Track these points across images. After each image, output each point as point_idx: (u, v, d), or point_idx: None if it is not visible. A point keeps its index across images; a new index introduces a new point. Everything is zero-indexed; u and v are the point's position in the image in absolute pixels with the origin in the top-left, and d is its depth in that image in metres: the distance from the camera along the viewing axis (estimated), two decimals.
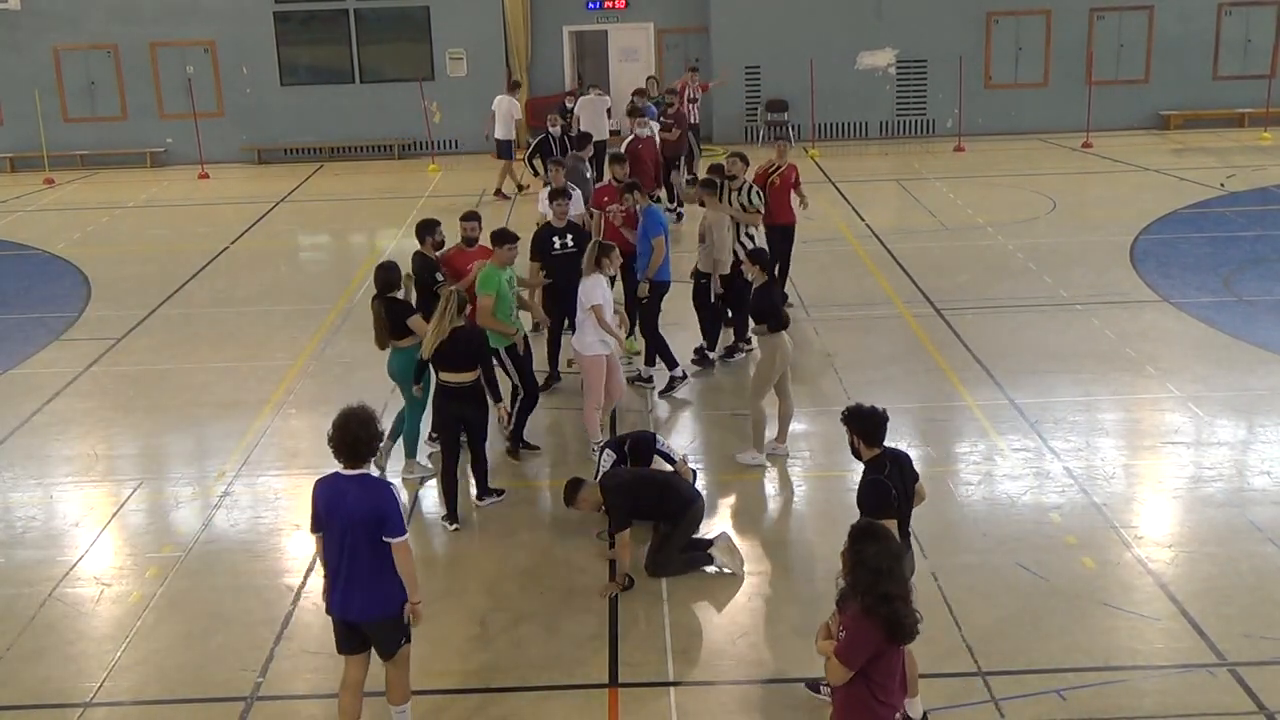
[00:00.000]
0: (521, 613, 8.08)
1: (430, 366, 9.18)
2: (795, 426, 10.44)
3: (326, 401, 11.91)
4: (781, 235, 13.79)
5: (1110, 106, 25.85)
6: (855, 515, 9.30)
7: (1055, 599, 7.96)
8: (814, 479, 9.80)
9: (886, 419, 6.74)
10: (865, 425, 6.68)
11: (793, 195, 14.01)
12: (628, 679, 7.28)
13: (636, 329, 12.24)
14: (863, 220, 18.71)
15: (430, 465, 10.17)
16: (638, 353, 12.57)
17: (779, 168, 13.86)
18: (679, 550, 8.35)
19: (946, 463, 10.17)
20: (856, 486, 9.62)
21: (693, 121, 21.56)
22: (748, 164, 13.24)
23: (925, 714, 6.80)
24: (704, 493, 8.94)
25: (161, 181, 24.77)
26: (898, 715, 5.43)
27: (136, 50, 25.99)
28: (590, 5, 26.82)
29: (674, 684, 7.20)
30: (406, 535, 6.32)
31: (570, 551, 8.93)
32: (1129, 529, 8.86)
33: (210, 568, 8.85)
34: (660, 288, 11.90)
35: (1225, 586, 8.07)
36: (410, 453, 10.13)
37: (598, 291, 10.14)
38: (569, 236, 11.57)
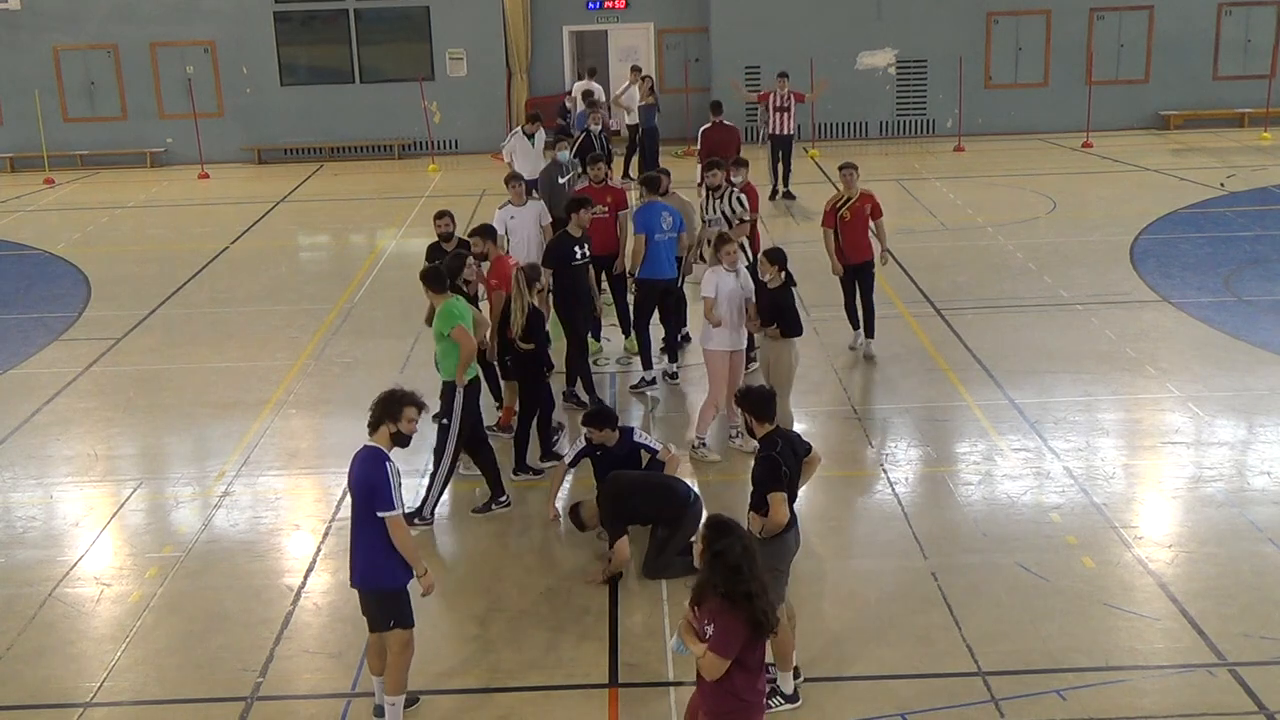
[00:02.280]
0: (521, 613, 8.08)
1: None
2: (794, 426, 10.42)
3: (326, 402, 11.93)
4: (857, 274, 12.49)
5: (1110, 106, 25.86)
6: (854, 515, 9.38)
7: (1055, 599, 7.97)
8: (813, 479, 9.74)
9: (773, 395, 7.24)
10: (754, 403, 7.09)
11: (872, 227, 12.56)
12: (628, 679, 7.29)
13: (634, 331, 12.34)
14: None
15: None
16: (599, 351, 12.63)
17: (848, 200, 12.41)
18: (677, 554, 8.34)
19: (946, 463, 10.18)
20: (851, 486, 9.76)
21: (783, 132, 19.90)
22: (725, 170, 12.56)
23: (796, 688, 6.98)
24: (701, 494, 8.92)
25: (161, 181, 24.77)
26: (766, 701, 5.64)
27: (136, 50, 25.99)
28: (590, 5, 26.83)
29: (674, 684, 7.19)
30: (397, 510, 6.46)
31: (570, 551, 8.94)
32: (1129, 529, 8.87)
33: (210, 568, 8.85)
34: (650, 285, 11.77)
35: (1225, 586, 8.07)
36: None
37: (711, 283, 10.14)
38: (586, 246, 11.29)
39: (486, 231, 10.83)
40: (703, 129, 18.62)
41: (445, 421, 9.23)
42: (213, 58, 26.07)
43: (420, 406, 6.68)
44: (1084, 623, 7.68)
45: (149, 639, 7.90)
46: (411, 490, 10.01)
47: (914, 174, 22.47)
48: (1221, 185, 20.25)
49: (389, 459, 6.52)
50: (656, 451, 9.04)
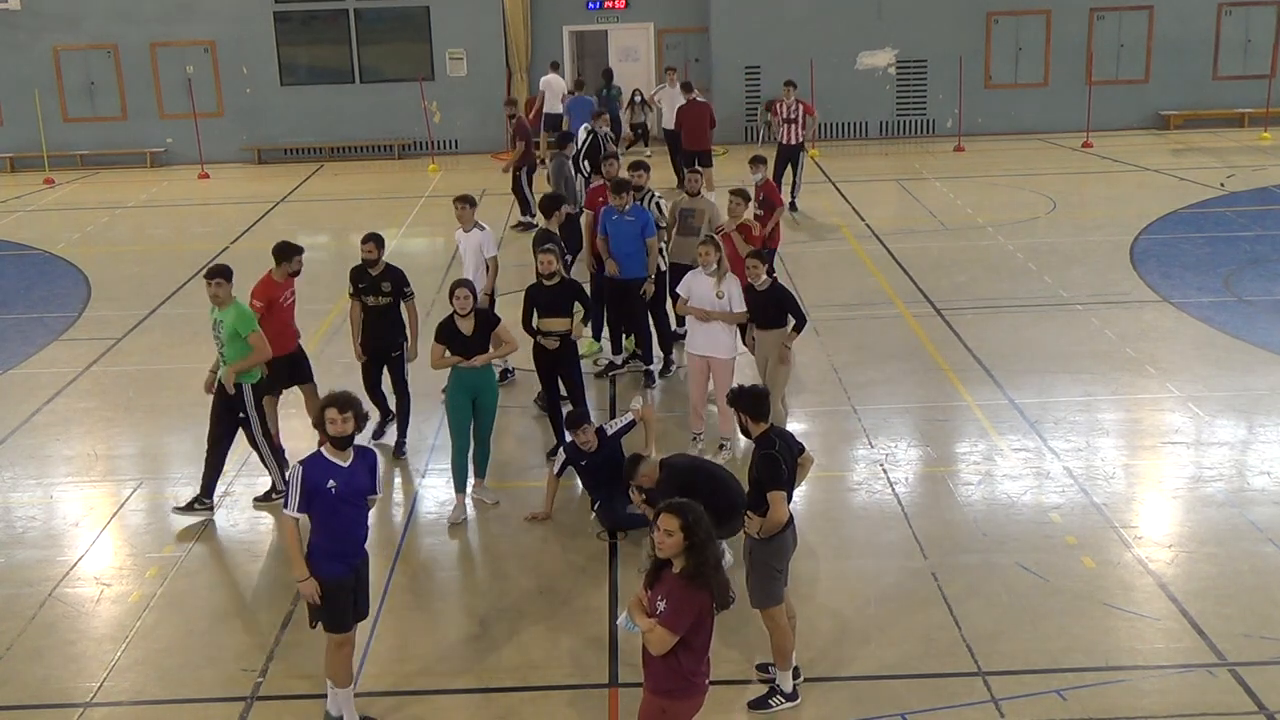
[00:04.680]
0: (521, 613, 8.09)
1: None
2: (794, 426, 10.44)
3: None
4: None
5: (1110, 106, 25.85)
6: (854, 515, 9.39)
7: (1055, 599, 7.97)
8: (813, 479, 9.75)
9: (767, 394, 7.25)
10: (751, 403, 7.07)
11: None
12: (628, 679, 7.28)
13: (604, 332, 12.54)
14: (863, 220, 18.72)
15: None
16: (599, 351, 12.71)
17: (721, 230, 11.50)
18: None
19: (946, 463, 10.18)
20: (852, 486, 9.77)
21: (789, 142, 19.22)
22: (649, 171, 12.56)
23: (795, 687, 7.02)
24: None
25: (161, 181, 24.77)
26: (708, 683, 5.75)
27: (136, 50, 25.98)
28: (590, 5, 26.83)
29: None
30: (286, 511, 6.63)
31: (570, 552, 8.94)
32: (1129, 529, 8.87)
33: (210, 568, 8.86)
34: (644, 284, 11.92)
35: (1225, 586, 8.07)
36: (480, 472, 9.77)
37: (684, 284, 10.26)
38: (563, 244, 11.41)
39: (292, 249, 10.39)
40: (679, 107, 20.18)
41: (243, 416, 9.40)
42: (213, 58, 26.06)
43: (341, 404, 6.57)
44: (1084, 623, 7.68)
45: (149, 639, 7.90)
46: (414, 494, 10.05)
47: (914, 174, 22.47)
48: (1221, 185, 20.25)
49: (305, 463, 6.60)
50: (631, 424, 9.30)
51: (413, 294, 10.64)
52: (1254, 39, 26.03)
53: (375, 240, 10.53)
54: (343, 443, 6.61)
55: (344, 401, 6.60)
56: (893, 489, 9.67)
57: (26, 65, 25.85)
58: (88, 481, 10.41)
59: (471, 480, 9.67)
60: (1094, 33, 26.02)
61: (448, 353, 9.38)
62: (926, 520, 9.15)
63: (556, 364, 10.24)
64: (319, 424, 6.63)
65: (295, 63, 26.35)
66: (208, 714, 7.17)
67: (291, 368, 10.41)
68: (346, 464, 6.62)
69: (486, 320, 9.46)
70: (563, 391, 10.38)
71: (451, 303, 9.35)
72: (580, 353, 10.89)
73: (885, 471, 9.99)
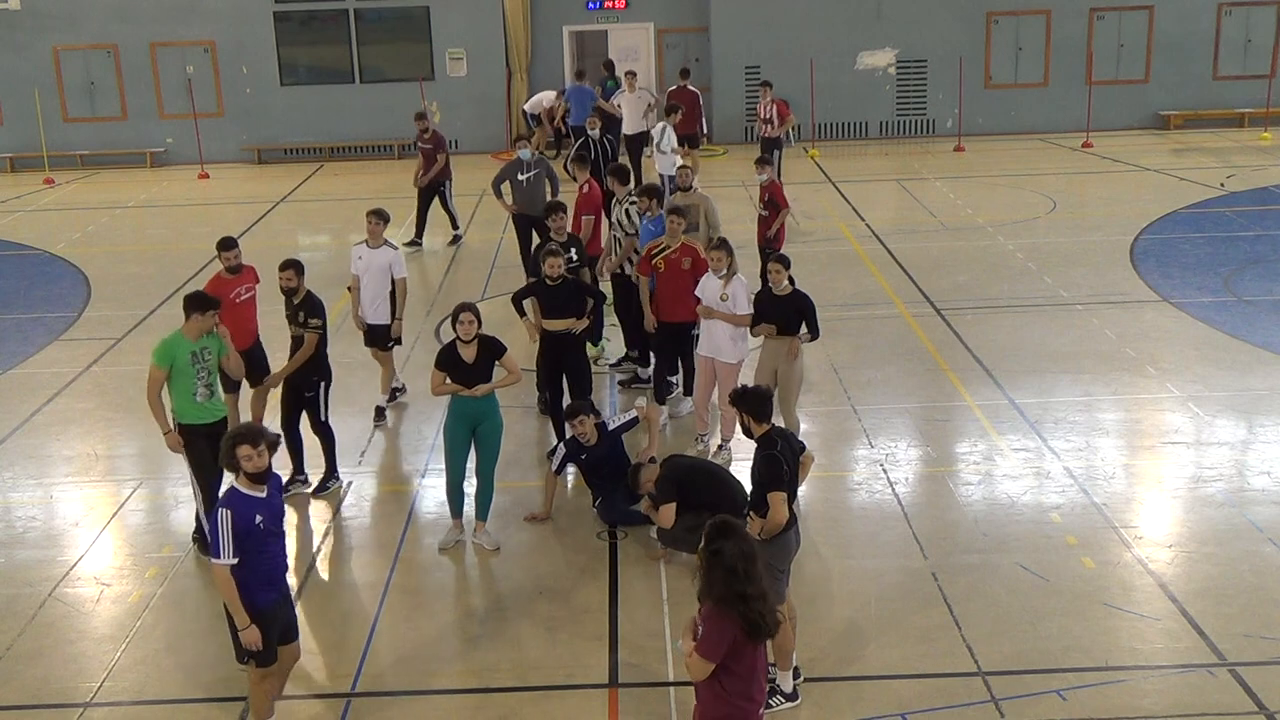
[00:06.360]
0: (521, 613, 8.09)
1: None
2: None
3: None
4: (669, 335, 10.93)
5: (1110, 106, 25.86)
6: (854, 515, 9.38)
7: (1055, 599, 7.97)
8: (813, 479, 9.77)
9: (771, 395, 7.23)
10: (753, 403, 7.04)
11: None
12: (628, 679, 7.29)
13: (603, 333, 12.63)
14: (863, 220, 18.72)
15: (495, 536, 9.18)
16: (601, 351, 12.73)
17: (665, 248, 10.76)
18: (688, 531, 8.23)
19: (946, 463, 10.18)
20: (852, 486, 9.77)
21: (766, 136, 19.51)
22: (626, 180, 12.55)
23: (796, 687, 7.00)
24: None
25: (161, 181, 24.76)
26: (762, 711, 5.51)
27: (136, 50, 25.98)
28: (590, 5, 26.82)
29: (674, 684, 7.20)
30: (218, 560, 6.35)
31: (570, 551, 8.94)
32: (1129, 529, 8.87)
33: (210, 568, 8.83)
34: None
35: (1225, 586, 8.07)
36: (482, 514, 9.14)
37: (700, 285, 10.23)
38: (573, 250, 11.24)
39: (224, 243, 10.30)
40: (669, 90, 21.14)
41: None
42: (213, 58, 26.06)
43: (251, 438, 6.33)
44: (1084, 623, 7.68)
45: (149, 639, 7.90)
46: (426, 496, 10.04)
47: (914, 174, 22.47)
48: (1221, 185, 20.25)
49: (229, 505, 6.33)
50: (635, 420, 9.36)
51: (317, 328, 9.54)
52: (1254, 39, 26.03)
53: (294, 267, 9.66)
54: (262, 477, 6.40)
55: (253, 435, 6.37)
56: (893, 489, 9.67)
57: (26, 65, 25.84)
58: (88, 481, 10.40)
59: (473, 522, 9.12)
60: (1094, 33, 26.02)
61: (448, 380, 8.83)
62: (926, 520, 9.15)
63: (561, 359, 10.23)
64: (232, 467, 6.37)
65: (295, 63, 26.34)
66: (208, 714, 7.17)
67: (252, 366, 10.06)
68: (265, 495, 6.44)
69: (491, 348, 8.81)
70: (564, 389, 10.38)
71: (454, 328, 8.86)
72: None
73: (885, 471, 9.99)
